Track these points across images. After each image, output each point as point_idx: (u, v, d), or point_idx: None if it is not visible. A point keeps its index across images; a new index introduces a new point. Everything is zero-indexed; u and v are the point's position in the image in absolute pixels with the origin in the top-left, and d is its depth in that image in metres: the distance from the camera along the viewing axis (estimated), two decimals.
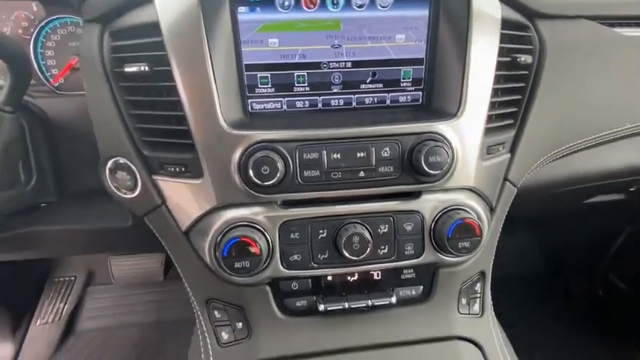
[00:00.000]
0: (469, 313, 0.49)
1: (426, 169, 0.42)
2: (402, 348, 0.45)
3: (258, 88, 0.47)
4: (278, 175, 0.40)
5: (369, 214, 0.44)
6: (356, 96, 0.49)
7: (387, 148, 0.43)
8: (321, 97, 0.49)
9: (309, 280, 0.45)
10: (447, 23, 0.46)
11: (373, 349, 0.45)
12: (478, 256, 0.49)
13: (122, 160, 0.47)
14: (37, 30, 0.62)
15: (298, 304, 0.45)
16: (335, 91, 0.49)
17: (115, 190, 0.48)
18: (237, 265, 0.41)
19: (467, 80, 0.44)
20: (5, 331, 1.23)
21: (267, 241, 0.42)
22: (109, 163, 0.47)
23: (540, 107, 0.52)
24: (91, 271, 1.38)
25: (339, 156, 0.43)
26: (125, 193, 0.48)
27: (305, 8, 0.45)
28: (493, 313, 0.50)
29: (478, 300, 0.51)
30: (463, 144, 0.45)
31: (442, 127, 0.44)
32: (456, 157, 0.44)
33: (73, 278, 1.37)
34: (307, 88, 0.48)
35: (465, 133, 0.45)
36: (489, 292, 0.51)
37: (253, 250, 0.41)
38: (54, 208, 0.59)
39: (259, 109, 0.48)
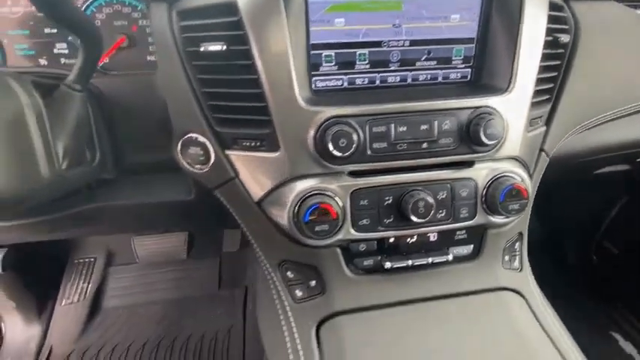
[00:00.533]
0: (511, 268, 0.56)
1: (484, 139, 0.47)
2: (456, 299, 0.51)
3: (322, 66, 0.50)
4: (353, 147, 0.44)
5: (430, 181, 0.49)
6: (411, 73, 0.53)
7: (448, 121, 0.48)
8: (380, 74, 0.52)
9: (375, 242, 0.50)
10: (499, 3, 0.49)
11: (431, 301, 0.50)
12: (518, 219, 0.55)
13: (195, 136, 0.49)
14: (83, 8, 0.62)
15: (365, 263, 0.50)
16: (392, 68, 0.52)
17: (187, 166, 0.51)
18: (317, 228, 0.45)
19: (518, 58, 0.48)
20: (31, 313, 1.26)
21: (340, 207, 0.46)
22: (183, 139, 0.50)
23: (573, 83, 0.57)
24: (110, 252, 1.41)
25: (405, 129, 0.47)
26: (198, 168, 0.51)
27: None
28: (530, 269, 0.57)
29: (517, 257, 0.57)
30: (513, 117, 0.49)
31: (496, 102, 0.48)
32: (507, 129, 0.49)
33: (93, 259, 1.40)
34: (367, 66, 0.51)
35: (515, 107, 0.50)
36: (526, 250, 0.58)
37: (331, 214, 0.45)
38: (115, 184, 0.61)
39: (322, 86, 0.51)
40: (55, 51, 0.65)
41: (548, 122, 0.57)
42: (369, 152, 0.47)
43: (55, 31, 0.64)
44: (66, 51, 0.65)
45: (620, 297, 1.32)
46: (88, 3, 0.62)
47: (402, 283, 0.51)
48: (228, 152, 0.50)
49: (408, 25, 0.50)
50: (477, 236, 0.53)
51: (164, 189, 0.61)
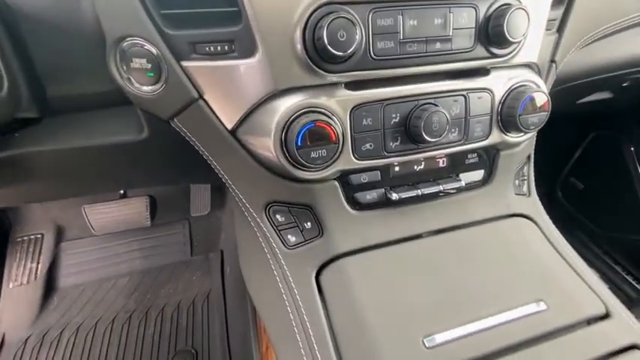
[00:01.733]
0: (520, 194, 0.51)
1: (507, 35, 0.38)
2: (469, 228, 0.46)
3: None
4: (355, 45, 0.34)
5: (442, 93, 0.41)
6: None
7: (465, 14, 0.38)
8: None
9: (379, 172, 0.42)
10: None
11: (443, 232, 0.45)
12: (528, 141, 0.49)
13: (139, 42, 0.36)
14: None
15: (369, 197, 0.42)
16: None
17: (131, 87, 0.38)
18: (313, 154, 0.36)
19: None
20: None
21: (340, 128, 0.37)
22: (121, 47, 0.36)
23: None
24: (59, 226, 1.23)
25: (415, 23, 0.37)
26: (146, 91, 0.38)
27: None
28: (536, 193, 0.52)
29: (526, 182, 0.52)
30: (535, 12, 0.41)
31: None
32: (529, 24, 0.41)
33: (40, 236, 1.22)
34: None
35: (537, 1, 0.41)
36: (533, 174, 0.53)
37: (330, 136, 0.36)
38: (41, 126, 0.47)
39: None
40: None
41: (560, 29, 0.50)
42: (372, 55, 0.37)
43: None
44: None
45: (581, 230, 1.41)
46: None
47: (411, 216, 0.44)
48: (185, 64, 0.37)
49: None
50: (489, 160, 0.47)
51: (105, 128, 0.48)
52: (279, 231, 0.43)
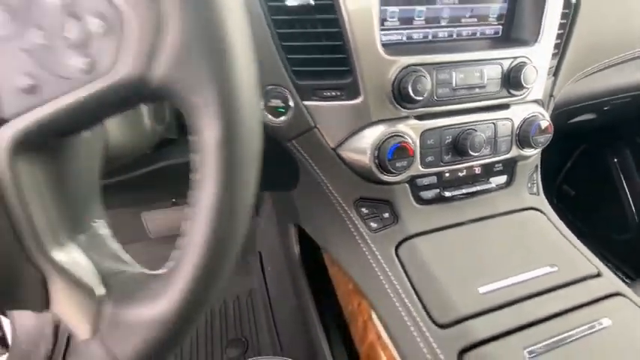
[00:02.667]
0: (532, 193, 0.69)
1: (523, 84, 0.57)
2: (498, 217, 0.63)
3: (387, 21, 0.56)
4: (427, 92, 0.52)
5: (479, 122, 0.58)
6: (456, 29, 0.61)
7: (494, 69, 0.57)
8: (432, 30, 0.59)
9: (435, 177, 0.60)
10: None
11: (479, 221, 0.62)
12: (537, 154, 0.67)
13: (277, 88, 0.53)
14: None
15: (429, 194, 0.60)
16: (443, 24, 0.59)
17: (267, 118, 0.55)
18: (398, 164, 0.53)
19: (545, 16, 0.58)
20: None
21: (414, 146, 0.54)
22: (265, 90, 0.54)
23: (576, 39, 0.69)
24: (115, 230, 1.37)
25: (462, 76, 0.55)
26: (277, 121, 0.55)
27: None
28: (543, 193, 0.70)
29: (535, 184, 0.70)
30: (540, 65, 0.60)
31: (529, 52, 0.58)
32: (537, 75, 0.59)
33: None
34: (423, 22, 0.58)
35: (541, 57, 0.60)
36: (540, 179, 0.71)
37: (409, 151, 0.53)
38: (177, 144, 0.63)
39: (386, 40, 0.57)
40: None
41: (555, 74, 0.69)
42: (435, 97, 0.55)
43: None
44: None
45: (573, 231, 1.59)
46: None
47: (457, 209, 0.61)
48: (307, 103, 0.54)
49: None
50: (510, 168, 0.65)
51: None
52: (364, 220, 0.59)
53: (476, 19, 0.61)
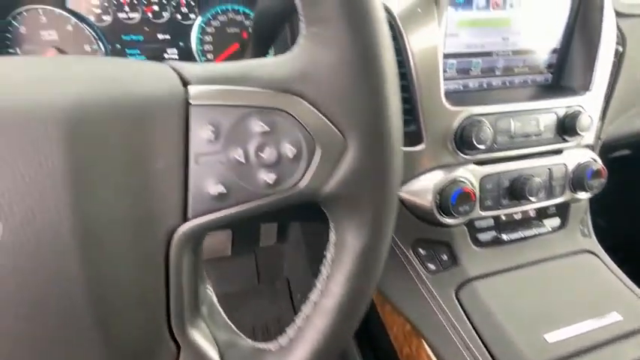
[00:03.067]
0: (584, 235, 0.69)
1: (578, 131, 0.59)
2: (553, 261, 0.63)
3: (446, 72, 0.59)
4: (489, 140, 0.54)
5: (535, 167, 0.60)
6: (510, 77, 0.63)
7: (550, 118, 0.59)
8: (486, 79, 0.62)
9: (492, 220, 0.61)
10: (581, 23, 0.61)
11: (537, 264, 0.62)
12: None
13: None
14: (199, 16, 0.65)
15: (486, 237, 0.61)
16: (497, 74, 0.62)
17: None
18: (461, 209, 0.54)
19: (596, 65, 0.61)
20: None
21: (475, 191, 0.56)
22: None
23: (621, 84, 0.71)
24: None
25: (520, 124, 0.58)
26: None
27: (491, 9, 0.57)
28: (594, 234, 0.70)
29: (586, 226, 0.70)
30: (593, 112, 0.62)
31: (582, 100, 0.60)
32: (592, 122, 0.61)
33: None
34: (479, 72, 0.61)
35: (593, 104, 0.62)
36: (590, 220, 0.71)
37: (471, 197, 0.55)
38: None
39: (444, 89, 0.60)
40: (166, 56, 0.67)
41: (603, 116, 0.71)
42: (494, 144, 0.57)
43: (168, 37, 0.66)
44: (176, 56, 0.68)
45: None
46: (204, 11, 0.65)
47: (514, 251, 0.62)
48: None
49: (513, 38, 0.60)
50: (563, 211, 0.66)
51: None
52: (422, 261, 0.60)
53: (528, 69, 0.64)
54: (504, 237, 0.60)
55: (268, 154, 0.24)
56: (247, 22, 0.68)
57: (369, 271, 0.27)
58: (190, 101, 0.23)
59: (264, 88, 0.24)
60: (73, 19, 0.60)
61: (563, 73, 0.65)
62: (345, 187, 0.25)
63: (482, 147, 0.54)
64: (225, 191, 0.24)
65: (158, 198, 0.23)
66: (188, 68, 0.24)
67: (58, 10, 0.59)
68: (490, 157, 0.58)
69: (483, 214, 0.59)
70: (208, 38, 0.67)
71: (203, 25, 0.66)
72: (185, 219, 0.24)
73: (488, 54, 0.60)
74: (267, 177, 0.24)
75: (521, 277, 0.60)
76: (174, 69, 0.24)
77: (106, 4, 0.62)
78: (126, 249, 0.22)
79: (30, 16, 0.59)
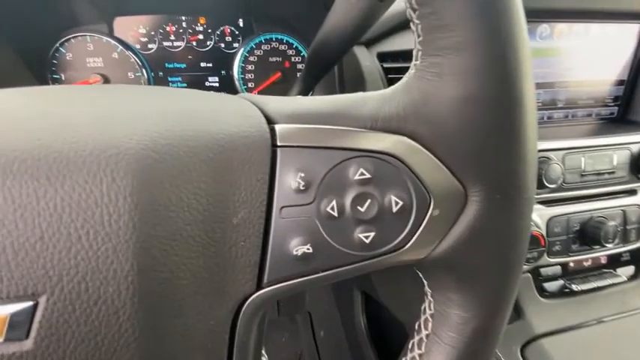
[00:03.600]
0: None
1: None
2: (629, 317, 0.55)
3: None
4: (560, 179, 0.49)
5: (608, 209, 0.54)
6: (573, 110, 0.59)
7: (624, 154, 0.53)
8: (548, 112, 0.58)
9: (559, 267, 0.54)
10: None
11: (610, 319, 0.54)
12: None
13: None
14: (242, 45, 0.64)
15: (554, 287, 0.54)
16: (560, 106, 0.58)
17: None
18: (529, 255, 0.48)
19: None
20: None
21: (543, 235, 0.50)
22: None
23: None
24: None
25: (592, 161, 0.52)
26: None
27: (555, 38, 0.53)
28: None
29: None
30: None
31: None
32: None
33: None
34: (540, 104, 0.57)
35: None
36: None
37: (540, 242, 0.49)
38: None
39: None
40: (207, 84, 0.66)
41: None
42: (563, 183, 0.51)
43: (210, 65, 0.65)
44: (217, 84, 0.67)
45: None
46: (248, 40, 0.64)
47: (584, 304, 0.55)
48: None
49: (576, 69, 0.56)
50: (638, 258, 0.58)
51: None
52: None
53: (592, 101, 0.59)
54: (574, 287, 0.53)
55: (367, 207, 0.19)
56: (290, 52, 0.67)
57: (479, 356, 0.21)
58: (277, 142, 0.19)
59: (367, 128, 0.19)
60: (120, 47, 0.60)
61: (631, 106, 0.60)
62: (460, 252, 0.20)
63: (551, 186, 0.48)
64: (310, 251, 0.19)
65: (231, 259, 0.18)
66: (271, 104, 0.20)
67: (105, 38, 0.60)
68: (558, 197, 0.52)
69: (551, 260, 0.52)
70: (250, 67, 0.66)
71: (246, 54, 0.65)
72: (259, 286, 0.19)
73: (549, 85, 0.56)
74: (364, 235, 0.19)
75: (593, 335, 0.52)
76: (254, 104, 0.21)
77: (152, 32, 0.62)
78: (187, 325, 0.17)
79: (77, 42, 0.59)
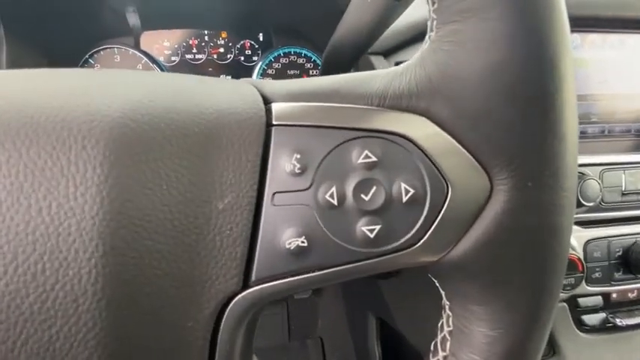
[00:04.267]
0: None
1: None
2: None
3: None
4: (598, 197, 0.44)
5: None
6: (609, 125, 0.54)
7: None
8: (581, 126, 0.54)
9: (600, 297, 0.48)
10: None
11: None
12: None
13: None
14: (261, 58, 0.66)
15: (595, 320, 0.47)
16: (594, 120, 0.54)
17: None
18: (565, 281, 0.43)
19: None
20: None
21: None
22: None
23: None
24: None
25: (633, 179, 0.47)
26: None
27: (586, 48, 0.50)
28: None
29: None
30: None
31: None
32: None
33: None
34: None
35: None
36: None
37: (578, 266, 0.43)
38: None
39: None
40: None
41: None
42: (601, 202, 0.46)
43: (229, 77, 0.67)
44: None
45: None
46: (267, 53, 0.65)
47: (629, 341, 0.48)
48: None
49: (612, 81, 0.52)
50: None
51: None
52: None
53: (630, 116, 0.55)
54: (618, 322, 0.47)
55: (373, 195, 0.17)
56: (308, 65, 0.67)
57: None
58: (273, 121, 0.17)
59: (374, 106, 0.17)
60: (144, 59, 0.63)
61: None
62: (484, 253, 0.17)
63: (588, 204, 0.44)
64: (306, 244, 0.17)
65: (215, 250, 0.16)
66: (271, 85, 0.19)
67: (132, 50, 0.62)
68: (597, 218, 0.47)
69: (591, 289, 0.46)
70: (268, 79, 0.67)
71: (264, 66, 0.66)
72: (246, 283, 0.17)
73: (582, 97, 0.52)
74: (368, 228, 0.17)
75: None
76: (253, 85, 0.19)
77: (176, 46, 0.64)
78: (158, 325, 0.15)
79: (105, 54, 0.62)
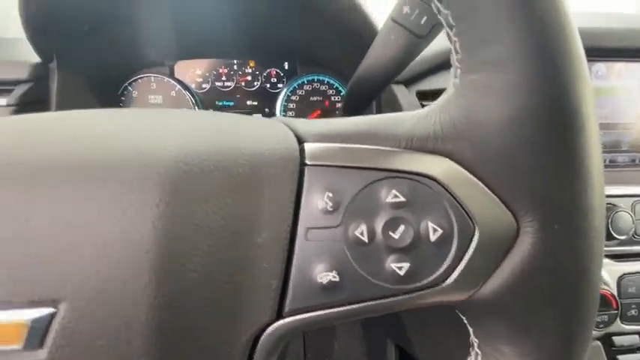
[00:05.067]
0: None
1: None
2: None
3: None
4: (632, 230, 0.42)
5: None
6: (639, 154, 0.53)
7: None
8: (610, 155, 0.52)
9: (638, 336, 0.45)
10: None
11: None
12: None
13: None
14: (285, 85, 0.69)
15: None
16: (623, 149, 0.52)
17: None
18: (598, 319, 0.41)
19: None
20: None
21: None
22: None
23: None
24: None
25: None
26: None
27: (613, 78, 0.50)
28: None
29: None
30: None
31: None
32: None
33: None
34: (602, 147, 0.52)
35: None
36: None
37: (612, 303, 0.42)
38: None
39: None
40: None
41: None
42: (634, 235, 0.44)
43: (255, 103, 0.70)
44: None
45: None
46: (292, 80, 0.68)
47: None
48: None
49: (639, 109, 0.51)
50: None
51: None
52: None
53: None
54: None
55: (401, 233, 0.18)
56: (330, 92, 0.69)
57: None
58: (306, 161, 0.18)
59: (401, 147, 0.18)
60: (178, 86, 0.67)
61: None
62: (512, 293, 0.17)
63: (621, 237, 0.42)
64: (337, 279, 0.17)
65: (252, 282, 0.17)
66: (302, 124, 0.20)
67: (167, 79, 0.67)
68: (630, 251, 0.45)
69: (626, 327, 0.44)
70: (292, 105, 0.69)
71: (289, 93, 0.69)
72: (280, 315, 0.18)
73: (611, 126, 0.51)
74: (397, 266, 0.18)
75: None
76: (286, 125, 0.21)
77: (207, 74, 0.68)
78: (202, 346, 0.16)
79: (143, 82, 0.67)
